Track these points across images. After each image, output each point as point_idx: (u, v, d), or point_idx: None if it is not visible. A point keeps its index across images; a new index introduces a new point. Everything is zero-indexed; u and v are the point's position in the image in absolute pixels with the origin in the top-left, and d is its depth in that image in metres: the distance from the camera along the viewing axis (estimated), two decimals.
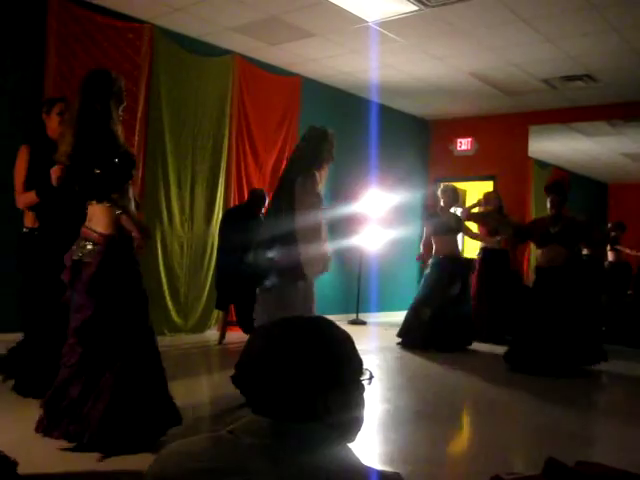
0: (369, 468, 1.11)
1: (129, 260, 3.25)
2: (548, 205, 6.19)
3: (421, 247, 7.65)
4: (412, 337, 7.01)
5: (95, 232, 3.16)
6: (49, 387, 3.88)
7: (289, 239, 4.03)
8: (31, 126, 4.22)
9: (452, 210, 7.45)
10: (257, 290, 4.26)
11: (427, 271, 7.33)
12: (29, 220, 4.08)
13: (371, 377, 1.21)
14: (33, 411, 3.78)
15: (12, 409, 3.80)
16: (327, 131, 4.34)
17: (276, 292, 4.11)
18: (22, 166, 4.02)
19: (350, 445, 1.17)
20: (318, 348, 1.13)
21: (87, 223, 3.22)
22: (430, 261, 7.32)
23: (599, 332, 6.19)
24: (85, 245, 3.17)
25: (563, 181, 6.61)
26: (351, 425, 1.18)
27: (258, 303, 4.23)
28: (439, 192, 7.56)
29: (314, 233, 4.08)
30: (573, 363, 5.80)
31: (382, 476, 1.12)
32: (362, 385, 1.20)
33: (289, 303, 4.08)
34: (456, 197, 7.50)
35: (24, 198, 3.99)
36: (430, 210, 8.06)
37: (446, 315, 6.92)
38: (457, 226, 7.32)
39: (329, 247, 4.20)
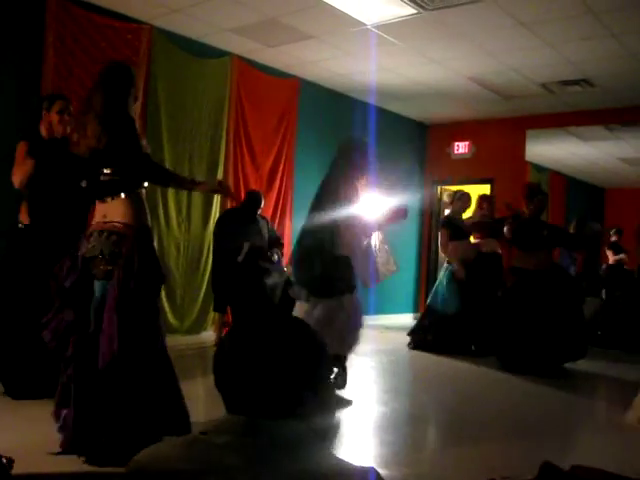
0: (349, 466, 1.11)
1: (151, 252, 3.20)
2: (532, 207, 6.15)
3: (444, 254, 7.39)
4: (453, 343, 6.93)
5: (118, 223, 3.11)
6: (38, 387, 3.89)
7: (335, 249, 4.11)
8: (29, 124, 4.20)
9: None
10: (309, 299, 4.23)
11: (445, 277, 7.19)
12: (24, 216, 4.06)
13: (337, 376, 1.24)
14: (27, 411, 3.78)
15: (6, 409, 3.78)
16: (363, 141, 4.42)
17: (333, 302, 4.13)
18: (20, 157, 4.02)
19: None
20: (291, 346, 1.14)
21: (100, 219, 3.16)
22: (448, 268, 7.21)
23: (579, 330, 6.25)
24: (108, 238, 3.10)
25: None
26: (324, 424, 1.19)
27: (308, 314, 4.17)
28: (448, 198, 7.49)
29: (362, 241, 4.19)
30: (560, 361, 5.96)
31: (355, 471, 1.11)
32: (331, 384, 1.21)
33: (334, 317, 4.11)
34: (470, 203, 7.43)
35: (20, 169, 3.98)
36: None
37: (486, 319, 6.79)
38: (467, 231, 7.27)
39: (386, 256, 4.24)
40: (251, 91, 7.62)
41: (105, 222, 3.13)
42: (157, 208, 6.62)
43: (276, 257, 6.62)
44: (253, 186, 7.44)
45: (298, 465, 1.05)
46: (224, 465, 1.03)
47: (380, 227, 4.57)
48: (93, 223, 3.22)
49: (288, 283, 6.51)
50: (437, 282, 7.43)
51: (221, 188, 3.59)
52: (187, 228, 6.97)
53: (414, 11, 5.86)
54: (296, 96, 8.24)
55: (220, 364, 1.16)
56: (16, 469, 2.41)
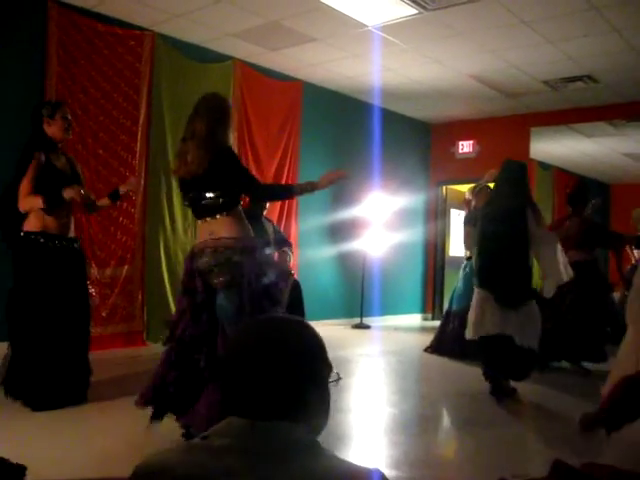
0: (350, 466, 1.10)
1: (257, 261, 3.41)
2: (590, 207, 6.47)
3: (468, 252, 7.32)
4: (449, 346, 6.75)
5: (227, 239, 3.34)
6: (51, 397, 3.91)
7: (525, 263, 4.78)
8: (36, 132, 4.20)
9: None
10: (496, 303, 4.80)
11: (463, 274, 7.03)
12: (30, 224, 4.03)
13: (338, 379, 1.23)
14: (35, 420, 3.79)
15: (14, 418, 3.80)
16: (525, 164, 5.20)
17: (523, 309, 4.73)
18: (32, 170, 4.00)
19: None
20: (292, 347, 1.14)
21: (208, 236, 3.37)
22: (466, 264, 7.12)
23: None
24: (221, 253, 3.32)
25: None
26: (319, 425, 1.19)
27: (493, 315, 4.78)
28: (470, 194, 7.40)
29: (556, 255, 4.80)
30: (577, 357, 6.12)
31: (359, 472, 1.11)
32: (329, 387, 1.22)
33: (536, 318, 4.79)
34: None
35: (28, 202, 3.97)
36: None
37: None
38: None
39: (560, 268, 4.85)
40: (254, 95, 7.63)
41: (215, 239, 3.36)
42: (163, 214, 6.65)
43: (290, 257, 6.63)
44: None
45: (299, 468, 1.05)
46: (225, 469, 1.03)
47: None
48: (201, 240, 3.43)
49: (295, 285, 6.51)
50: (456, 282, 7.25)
51: (330, 179, 3.65)
52: (193, 233, 6.98)
53: (415, 11, 5.87)
54: (300, 99, 8.25)
55: (222, 366, 1.17)
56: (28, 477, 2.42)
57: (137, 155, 6.43)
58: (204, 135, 3.34)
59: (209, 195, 3.37)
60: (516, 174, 5.01)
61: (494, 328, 4.76)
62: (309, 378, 1.13)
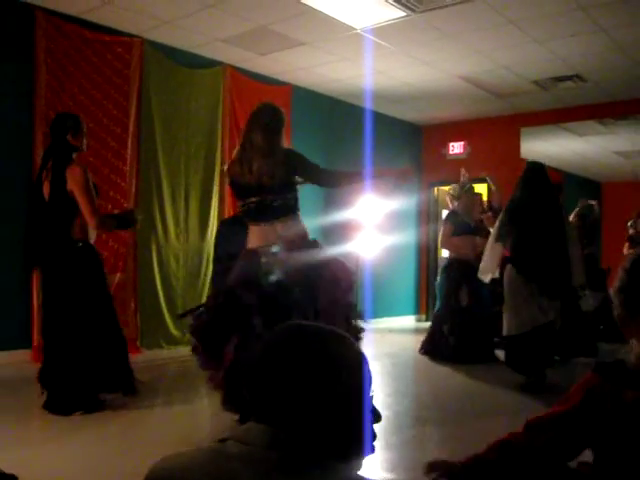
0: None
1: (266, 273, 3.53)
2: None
3: (447, 249, 7.27)
4: (437, 349, 6.75)
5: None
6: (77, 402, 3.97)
7: (564, 260, 5.14)
8: (62, 142, 4.23)
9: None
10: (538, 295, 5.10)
11: (439, 278, 7.10)
12: (78, 233, 4.15)
13: (378, 416, 1.17)
14: (29, 426, 3.77)
15: (14, 425, 3.78)
16: (543, 164, 5.51)
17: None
18: (87, 184, 4.10)
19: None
20: (323, 358, 1.10)
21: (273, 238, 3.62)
22: (441, 265, 7.14)
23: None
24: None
25: None
26: (351, 447, 1.13)
27: (540, 305, 5.08)
28: (454, 191, 7.42)
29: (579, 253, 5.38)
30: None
31: None
32: (370, 412, 1.14)
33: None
34: (477, 199, 7.36)
35: (106, 222, 4.24)
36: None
37: (464, 326, 6.58)
38: (478, 227, 7.02)
39: None
40: (244, 99, 7.62)
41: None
42: (155, 220, 6.63)
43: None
44: None
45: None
46: (235, 477, 1.01)
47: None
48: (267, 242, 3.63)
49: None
50: None
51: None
52: (185, 239, 6.97)
53: (403, 14, 5.88)
54: (289, 102, 8.24)
55: (253, 370, 1.13)
56: None
57: (128, 162, 6.42)
58: (265, 146, 3.53)
59: (272, 198, 3.57)
60: (536, 174, 5.34)
61: (544, 317, 5.05)
62: (342, 394, 1.09)
